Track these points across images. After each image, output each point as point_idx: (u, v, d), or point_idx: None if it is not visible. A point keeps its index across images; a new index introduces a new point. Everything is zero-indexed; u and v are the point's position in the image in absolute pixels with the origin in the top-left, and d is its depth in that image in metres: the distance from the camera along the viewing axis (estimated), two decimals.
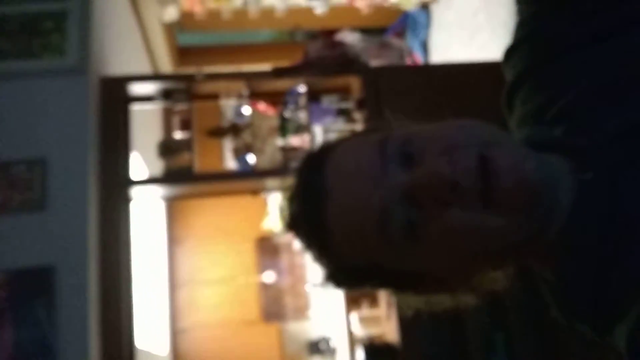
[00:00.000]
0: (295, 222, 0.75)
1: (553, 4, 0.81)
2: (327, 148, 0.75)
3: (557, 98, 0.77)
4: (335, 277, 0.76)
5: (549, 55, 0.80)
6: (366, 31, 4.11)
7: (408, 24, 4.37)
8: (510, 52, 0.87)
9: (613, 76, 0.74)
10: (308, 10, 4.04)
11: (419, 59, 4.21)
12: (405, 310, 0.78)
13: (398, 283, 0.75)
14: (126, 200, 2.49)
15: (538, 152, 0.69)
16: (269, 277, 5.12)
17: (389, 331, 2.79)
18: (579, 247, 0.66)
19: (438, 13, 4.14)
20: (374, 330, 3.41)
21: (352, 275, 0.74)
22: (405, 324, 2.45)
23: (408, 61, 4.09)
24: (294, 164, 0.78)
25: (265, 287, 5.12)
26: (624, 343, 0.60)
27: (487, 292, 0.76)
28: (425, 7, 4.20)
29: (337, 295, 3.77)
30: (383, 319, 3.18)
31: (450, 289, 0.74)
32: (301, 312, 5.05)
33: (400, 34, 4.41)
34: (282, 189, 0.79)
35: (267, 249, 5.09)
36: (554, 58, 0.79)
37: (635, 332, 0.59)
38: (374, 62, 3.53)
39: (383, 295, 3.08)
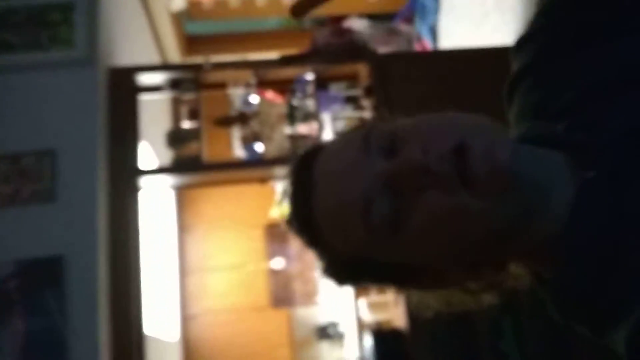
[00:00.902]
0: (290, 220, 0.76)
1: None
2: (318, 147, 0.77)
3: (561, 93, 0.77)
4: (331, 272, 0.77)
5: (559, 49, 0.79)
6: (374, 17, 4.08)
7: (416, 10, 4.33)
8: (522, 42, 0.85)
9: (619, 75, 0.73)
10: None
11: (428, 44, 4.18)
12: (424, 311, 0.78)
13: (392, 277, 0.75)
14: (135, 189, 2.51)
15: (535, 147, 0.69)
16: (278, 263, 5.14)
17: (397, 317, 2.81)
18: (579, 246, 0.65)
19: None
20: (382, 316, 3.42)
21: (345, 270, 0.75)
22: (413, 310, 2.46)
23: (417, 47, 4.07)
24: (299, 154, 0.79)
25: (274, 273, 5.14)
26: (623, 347, 0.60)
27: (510, 291, 0.76)
28: None
29: None
30: (391, 305, 3.19)
31: (447, 283, 0.74)
32: (310, 297, 5.07)
33: (409, 19, 4.38)
34: (284, 180, 0.80)
35: (276, 235, 5.11)
36: (563, 52, 0.78)
37: (633, 337, 0.58)
38: (382, 49, 3.52)
39: None
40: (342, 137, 0.77)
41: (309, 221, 0.72)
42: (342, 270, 0.76)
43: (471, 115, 0.69)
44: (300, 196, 0.73)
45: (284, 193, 0.77)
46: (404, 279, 0.75)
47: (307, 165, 0.74)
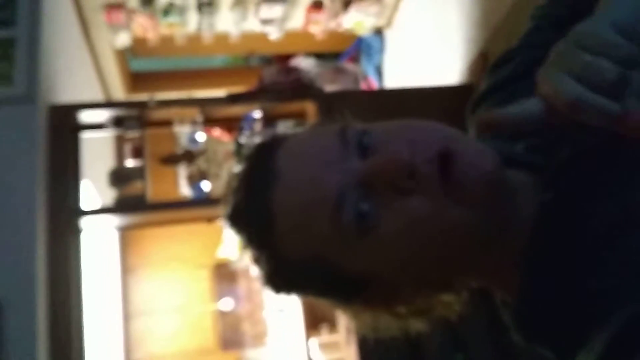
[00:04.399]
0: (236, 212, 0.69)
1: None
2: (280, 137, 0.71)
3: None
4: (273, 278, 0.70)
5: (526, 71, 0.79)
6: (321, 56, 4.12)
7: (362, 49, 4.39)
8: (500, 63, 0.86)
9: None
10: (262, 36, 4.03)
11: (374, 83, 4.23)
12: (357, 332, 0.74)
13: (339, 289, 0.69)
14: (76, 231, 2.42)
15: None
16: (226, 304, 5.04)
17: (349, 356, 2.76)
18: (539, 269, 0.64)
19: (392, 38, 4.18)
20: (334, 356, 3.37)
21: (291, 274, 0.69)
22: (365, 349, 2.43)
23: (363, 86, 4.11)
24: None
25: (222, 314, 5.03)
26: None
27: (439, 319, 0.72)
28: (379, 33, 4.23)
29: (296, 321, 3.73)
30: (342, 345, 3.15)
31: (395, 300, 0.70)
32: (260, 339, 4.97)
33: (355, 59, 4.44)
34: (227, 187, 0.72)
35: (224, 276, 5.02)
36: (528, 74, 0.79)
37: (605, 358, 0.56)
38: (329, 87, 3.53)
39: (342, 321, 3.06)
40: (312, 127, 0.72)
41: (264, 215, 0.65)
42: (287, 276, 0.69)
43: (446, 125, 0.66)
44: (258, 184, 0.66)
45: (230, 184, 0.71)
46: (350, 292, 0.69)
47: (267, 154, 0.67)
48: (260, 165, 0.67)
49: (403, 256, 0.63)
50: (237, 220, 0.70)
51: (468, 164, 0.60)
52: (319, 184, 0.62)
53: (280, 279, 0.70)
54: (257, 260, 0.70)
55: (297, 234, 0.65)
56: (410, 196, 0.60)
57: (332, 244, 0.63)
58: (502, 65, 0.86)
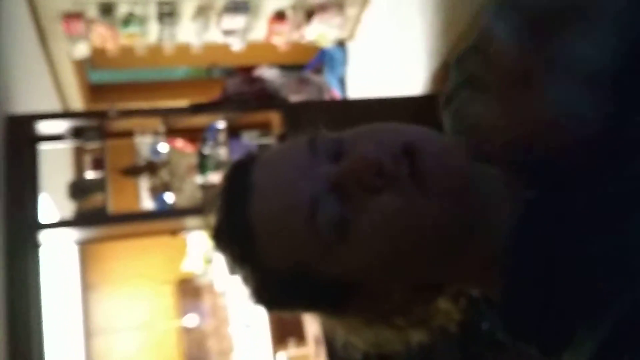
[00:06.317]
0: (219, 231, 0.70)
1: None
2: (253, 155, 0.72)
3: None
4: (261, 292, 0.70)
5: None
6: (284, 68, 4.11)
7: (325, 61, 4.41)
8: (466, 54, 0.84)
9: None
10: (224, 47, 4.01)
11: (337, 94, 4.24)
12: (351, 354, 0.73)
13: (328, 298, 0.68)
14: (35, 245, 2.35)
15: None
16: (191, 320, 4.96)
17: None
18: (523, 267, 0.64)
19: (354, 50, 4.19)
20: None
21: (279, 289, 0.68)
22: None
23: (327, 97, 4.11)
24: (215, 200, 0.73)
25: (187, 331, 4.96)
26: None
27: (439, 328, 0.72)
28: (341, 45, 4.25)
29: (263, 336, 3.69)
30: (311, 357, 3.12)
31: (386, 304, 0.69)
32: (226, 355, 4.91)
33: (318, 70, 4.44)
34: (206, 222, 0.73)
35: (188, 291, 4.95)
36: None
37: None
38: (294, 98, 3.52)
39: (310, 333, 3.03)
40: (282, 145, 0.72)
41: (244, 229, 0.66)
42: (274, 290, 0.69)
43: (412, 124, 0.67)
44: (236, 201, 0.67)
45: (212, 203, 0.71)
46: (341, 300, 0.68)
47: (243, 171, 0.68)
48: (237, 182, 0.69)
49: (381, 255, 0.63)
50: (220, 239, 0.70)
51: (433, 158, 0.61)
52: (291, 189, 0.64)
53: (268, 292, 0.70)
54: (245, 279, 0.70)
55: (277, 242, 0.65)
56: (381, 194, 0.61)
57: (312, 249, 0.64)
58: (469, 59, 0.85)
